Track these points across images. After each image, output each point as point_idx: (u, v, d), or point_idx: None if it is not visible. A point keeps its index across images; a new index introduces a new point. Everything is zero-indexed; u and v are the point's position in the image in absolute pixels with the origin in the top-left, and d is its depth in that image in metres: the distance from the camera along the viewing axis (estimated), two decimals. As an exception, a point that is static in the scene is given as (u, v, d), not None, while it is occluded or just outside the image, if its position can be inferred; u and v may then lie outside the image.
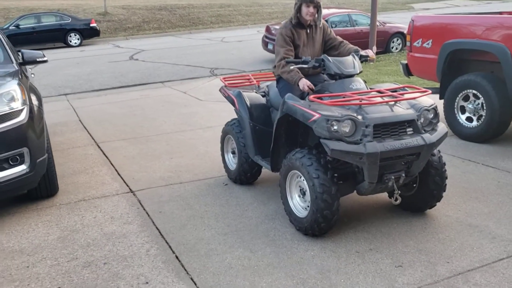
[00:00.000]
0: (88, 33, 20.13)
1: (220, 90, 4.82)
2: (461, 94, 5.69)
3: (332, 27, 13.23)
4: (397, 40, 14.44)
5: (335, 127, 3.13)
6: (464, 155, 5.16)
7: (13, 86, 3.94)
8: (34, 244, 3.59)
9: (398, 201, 3.44)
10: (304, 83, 3.65)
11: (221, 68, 12.91)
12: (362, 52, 3.85)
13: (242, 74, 5.51)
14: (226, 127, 4.67)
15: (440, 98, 5.98)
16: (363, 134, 3.12)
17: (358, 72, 3.58)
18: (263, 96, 4.44)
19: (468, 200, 4.02)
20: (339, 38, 4.13)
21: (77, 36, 19.78)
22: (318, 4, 3.85)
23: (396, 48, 14.39)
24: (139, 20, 25.12)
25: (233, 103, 4.42)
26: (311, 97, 3.39)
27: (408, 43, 6.43)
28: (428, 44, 6.05)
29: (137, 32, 23.60)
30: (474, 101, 5.58)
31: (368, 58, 3.85)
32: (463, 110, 5.74)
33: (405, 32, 14.40)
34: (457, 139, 5.71)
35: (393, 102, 3.34)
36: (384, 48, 13.97)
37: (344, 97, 3.37)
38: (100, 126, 7.40)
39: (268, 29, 14.03)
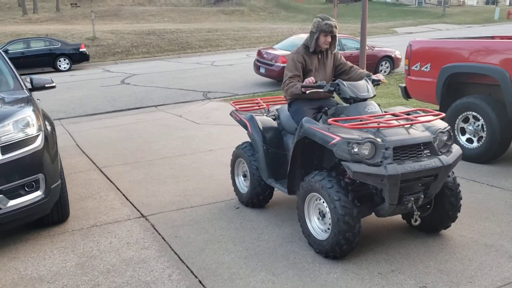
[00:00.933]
0: (78, 58, 20.12)
1: (231, 114, 4.87)
2: (461, 116, 5.83)
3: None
4: (385, 63, 14.75)
5: (356, 150, 3.20)
6: (467, 176, 5.26)
7: (28, 112, 3.94)
8: (53, 271, 3.54)
9: (417, 222, 3.50)
10: (306, 81, 3.78)
11: (214, 91, 13.00)
12: (374, 77, 3.97)
13: (251, 98, 5.58)
14: (237, 151, 4.70)
15: (440, 120, 6.11)
16: (383, 156, 3.20)
17: (372, 96, 3.70)
18: (273, 119, 4.51)
19: (479, 220, 4.10)
20: (349, 63, 4.26)
21: (67, 60, 19.76)
22: (335, 34, 3.98)
23: (385, 71, 14.68)
24: (127, 44, 25.24)
25: (245, 127, 4.47)
26: (330, 120, 3.47)
27: (406, 67, 6.58)
28: (426, 68, 6.22)
29: (126, 57, 23.69)
30: (474, 123, 5.73)
31: (380, 82, 3.97)
32: (463, 131, 5.88)
33: (393, 55, 14.81)
34: (458, 160, 5.82)
35: (409, 125, 3.43)
36: (373, 72, 14.20)
37: (361, 120, 3.45)
38: (99, 151, 7.36)
39: (259, 53, 14.21)
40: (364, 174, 3.17)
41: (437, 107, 6.25)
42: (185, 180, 5.61)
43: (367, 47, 13.53)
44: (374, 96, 3.71)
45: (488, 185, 4.95)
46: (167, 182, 5.60)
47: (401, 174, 3.14)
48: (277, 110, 4.52)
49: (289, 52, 13.75)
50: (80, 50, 20.05)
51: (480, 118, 5.61)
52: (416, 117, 3.55)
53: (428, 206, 3.70)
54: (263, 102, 4.94)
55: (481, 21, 35.97)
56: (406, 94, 6.71)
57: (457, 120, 5.87)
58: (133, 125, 9.41)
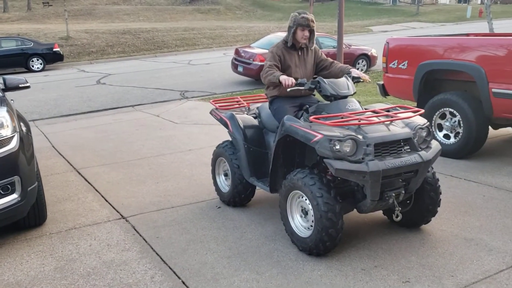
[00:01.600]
0: (51, 58, 19.70)
1: (211, 113, 4.83)
2: (438, 112, 5.91)
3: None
4: (362, 61, 14.89)
5: (338, 147, 3.21)
6: (445, 171, 5.34)
7: (2, 113, 3.83)
8: (31, 276, 3.45)
9: (399, 218, 3.53)
10: (286, 78, 3.72)
11: (191, 90, 12.91)
12: (354, 74, 3.96)
13: (231, 96, 5.55)
14: (217, 150, 4.67)
15: (418, 117, 6.19)
16: (365, 153, 3.22)
17: (352, 93, 3.71)
18: (254, 118, 4.49)
19: (459, 214, 4.16)
20: (330, 59, 4.26)
21: (40, 61, 19.33)
22: (313, 28, 3.97)
23: (362, 69, 14.81)
24: (102, 44, 24.87)
25: (226, 125, 4.43)
26: (312, 118, 3.47)
27: (383, 65, 6.64)
28: (403, 65, 6.29)
29: (101, 56, 23.34)
30: (451, 119, 5.81)
31: (361, 80, 3.96)
32: (440, 127, 5.96)
33: (369, 54, 14.95)
34: (436, 156, 5.91)
35: (389, 122, 3.46)
36: (350, 70, 14.36)
37: (342, 118, 3.46)
38: (76, 152, 7.22)
39: (237, 52, 14.15)
40: (346, 171, 3.18)
41: (415, 104, 6.33)
42: (165, 181, 5.54)
43: (343, 46, 13.64)
44: (355, 93, 3.72)
45: (466, 180, 5.03)
46: (146, 182, 5.52)
47: (383, 170, 3.17)
48: (258, 108, 4.50)
49: (266, 51, 13.77)
50: (54, 50, 19.64)
51: (457, 114, 5.70)
52: (395, 113, 3.58)
53: (408, 202, 3.73)
54: (244, 100, 4.92)
55: (454, 19, 36.68)
56: (384, 92, 6.77)
57: (434, 116, 5.95)
58: (110, 125, 9.27)
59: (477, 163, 5.56)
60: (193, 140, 7.50)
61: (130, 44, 25.48)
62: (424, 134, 3.53)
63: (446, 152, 5.83)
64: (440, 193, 3.78)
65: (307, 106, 3.88)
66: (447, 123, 5.85)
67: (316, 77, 3.93)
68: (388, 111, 3.68)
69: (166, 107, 10.92)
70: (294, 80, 3.73)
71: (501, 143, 6.40)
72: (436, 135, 5.97)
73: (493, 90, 5.26)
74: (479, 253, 3.47)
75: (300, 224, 3.61)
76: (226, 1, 51.91)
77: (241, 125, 4.27)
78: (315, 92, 4.13)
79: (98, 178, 5.78)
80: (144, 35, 27.12)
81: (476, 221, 4.00)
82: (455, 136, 5.80)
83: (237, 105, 4.84)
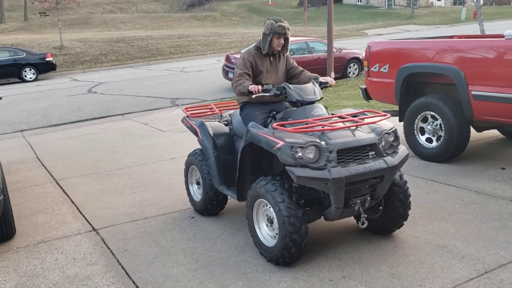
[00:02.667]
0: (44, 68, 19.67)
1: (182, 121, 4.76)
2: (419, 116, 5.84)
3: (290, 54, 13.44)
4: (354, 65, 14.81)
5: (300, 154, 3.14)
6: (426, 176, 5.25)
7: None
8: (-10, 293, 3.37)
9: (364, 225, 3.45)
10: (253, 86, 3.66)
11: (182, 98, 12.86)
12: (321, 79, 3.91)
13: (204, 104, 5.50)
14: (189, 158, 4.60)
15: (400, 121, 6.12)
16: (327, 159, 3.16)
17: (319, 98, 3.65)
18: (226, 125, 4.42)
19: (434, 221, 4.07)
20: (300, 68, 4.20)
21: (33, 70, 19.30)
22: (288, 36, 3.91)
23: (353, 73, 14.75)
24: (96, 52, 24.85)
25: (196, 133, 4.37)
26: (275, 124, 3.41)
27: (366, 69, 6.58)
28: (385, 68, 6.22)
29: (95, 65, 23.31)
30: (433, 122, 5.74)
31: (328, 85, 3.91)
32: (422, 131, 5.89)
33: (361, 57, 14.89)
34: (418, 160, 5.82)
35: (354, 127, 3.40)
36: (341, 74, 14.30)
37: (306, 124, 3.41)
38: (59, 163, 7.16)
39: (228, 58, 14.13)
40: (308, 178, 3.11)
41: (397, 108, 6.26)
42: (143, 191, 5.46)
43: (334, 50, 13.60)
44: (321, 98, 3.66)
45: (446, 185, 4.94)
46: (123, 193, 5.44)
47: (346, 177, 3.11)
48: (230, 115, 4.44)
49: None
50: (47, 59, 19.62)
51: (438, 117, 5.62)
52: (361, 118, 3.52)
53: (380, 208, 3.67)
54: (217, 107, 4.86)
55: (448, 22, 36.65)
56: (367, 96, 6.70)
57: (416, 120, 5.87)
58: (97, 134, 9.21)
59: (459, 167, 5.47)
60: (177, 148, 7.43)
61: (124, 52, 25.47)
62: (390, 139, 3.46)
63: (428, 156, 5.75)
64: (410, 195, 3.70)
65: (274, 112, 3.83)
66: (429, 127, 5.77)
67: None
68: (355, 116, 3.61)
69: (155, 115, 10.87)
70: (260, 87, 3.67)
71: (485, 146, 6.31)
72: (418, 139, 5.89)
73: (473, 92, 5.19)
74: (450, 260, 3.38)
75: (267, 234, 3.53)
76: (222, 8, 52.03)
77: (211, 133, 4.20)
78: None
79: (76, 189, 5.71)
80: (138, 43, 27.12)
81: (452, 227, 3.91)
82: (437, 140, 5.72)
83: (210, 112, 4.76)
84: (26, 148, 8.50)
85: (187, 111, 4.77)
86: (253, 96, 3.70)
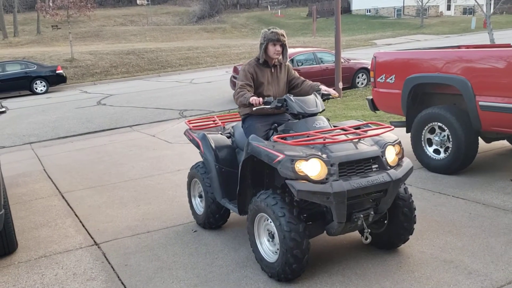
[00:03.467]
0: (55, 80, 19.90)
1: (184, 133, 4.72)
2: (427, 127, 5.75)
3: (298, 65, 13.45)
4: (362, 75, 14.75)
5: (300, 167, 3.07)
6: (434, 188, 5.16)
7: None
8: (-12, 309, 3.34)
9: (368, 240, 3.35)
10: (254, 98, 3.61)
11: (191, 109, 12.88)
12: (323, 91, 3.85)
13: (207, 116, 5.46)
14: (191, 171, 4.57)
15: (407, 132, 6.04)
16: (329, 173, 3.08)
17: (321, 110, 3.59)
18: (228, 137, 4.37)
19: (441, 234, 3.97)
20: (301, 78, 4.15)
21: (43, 83, 19.52)
22: (284, 43, 3.86)
23: (362, 83, 14.68)
24: (106, 65, 25.08)
25: (198, 146, 4.32)
26: (275, 137, 3.36)
27: (372, 79, 6.52)
28: (391, 79, 6.15)
29: (105, 77, 23.52)
30: (440, 134, 5.65)
31: (330, 96, 3.85)
32: (430, 142, 5.79)
33: (369, 67, 14.82)
34: (426, 172, 5.73)
35: (357, 140, 3.32)
36: (350, 84, 14.25)
37: (308, 136, 3.35)
38: (66, 175, 7.17)
39: (235, 69, 14.15)
40: (309, 192, 3.04)
41: (404, 118, 6.18)
42: (147, 203, 5.43)
43: (342, 60, 13.56)
44: (323, 110, 3.61)
45: (454, 197, 4.84)
46: (128, 206, 5.41)
47: (348, 191, 3.03)
48: (232, 127, 4.39)
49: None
50: (57, 72, 19.84)
51: (446, 128, 5.53)
52: (364, 131, 3.45)
53: (384, 222, 3.59)
54: (220, 119, 4.83)
55: (458, 31, 36.47)
56: (374, 107, 6.63)
57: (424, 131, 5.79)
58: (104, 146, 9.24)
59: (467, 179, 5.37)
60: (183, 160, 7.40)
61: (134, 64, 25.67)
62: (395, 151, 3.38)
63: (436, 167, 5.65)
64: (415, 209, 3.63)
65: (276, 125, 3.77)
66: (437, 138, 5.68)
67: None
68: (358, 128, 3.54)
69: (163, 126, 10.88)
70: (261, 100, 3.63)
71: (493, 157, 6.20)
72: (426, 151, 5.80)
73: (480, 103, 5.10)
74: (457, 276, 3.28)
75: (268, 249, 3.46)
76: (232, 20, 52.37)
77: (213, 145, 4.15)
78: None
79: (80, 202, 5.69)
80: (148, 55, 27.33)
81: (459, 242, 3.81)
82: (445, 151, 5.63)
83: (213, 125, 4.72)
84: (34, 161, 8.54)
85: (189, 123, 4.74)
86: (254, 108, 3.65)
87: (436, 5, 47.98)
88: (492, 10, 13.51)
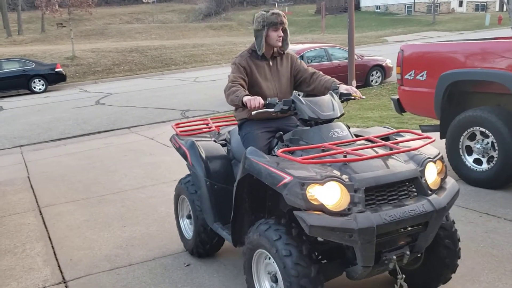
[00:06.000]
0: (54, 78, 19.07)
1: (170, 140, 3.92)
2: (466, 132, 4.85)
3: (307, 62, 12.59)
4: (376, 73, 13.84)
5: (313, 194, 2.29)
6: (479, 207, 4.26)
7: None
8: None
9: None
10: (251, 98, 2.83)
11: (193, 109, 12.08)
12: (343, 90, 3.01)
13: (200, 118, 4.61)
14: (179, 185, 3.75)
15: (441, 138, 5.14)
16: (352, 201, 2.30)
17: (339, 115, 2.80)
18: (223, 145, 3.60)
19: (503, 275, 3.08)
20: (311, 69, 3.30)
21: (42, 82, 18.70)
22: (285, 26, 3.10)
23: (376, 81, 13.77)
24: (109, 63, 24.29)
25: (185, 157, 3.54)
26: (280, 151, 2.55)
27: (398, 76, 5.62)
28: (422, 76, 5.25)
29: (107, 75, 22.70)
30: (482, 140, 4.75)
31: (351, 97, 3.01)
32: (469, 151, 4.89)
33: (384, 64, 13.89)
34: (465, 185, 4.82)
35: (387, 155, 2.51)
36: (363, 82, 13.33)
37: (323, 150, 2.55)
38: (50, 184, 6.38)
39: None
40: (326, 228, 2.25)
41: (437, 122, 5.28)
42: (134, 223, 4.58)
43: (356, 57, 12.66)
44: (343, 115, 2.82)
45: (507, 220, 3.94)
46: (112, 226, 4.57)
47: (377, 226, 2.26)
48: (229, 132, 3.59)
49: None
50: (56, 70, 19.01)
51: (490, 134, 4.63)
52: (396, 142, 2.65)
53: (420, 256, 2.74)
54: (214, 122, 4.06)
55: (472, 28, 35.33)
56: (400, 108, 5.73)
57: (462, 137, 4.89)
58: (98, 151, 8.43)
59: (518, 196, 4.48)
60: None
61: (137, 62, 24.85)
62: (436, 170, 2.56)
63: (478, 181, 4.76)
64: (459, 240, 2.83)
65: (281, 133, 2.94)
66: (478, 146, 4.78)
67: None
68: (387, 138, 2.75)
69: (163, 128, 10.05)
70: (261, 101, 2.83)
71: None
72: (464, 160, 4.90)
73: (536, 104, 4.21)
74: None
75: None
76: (238, 17, 51.56)
77: (203, 156, 3.36)
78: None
79: (58, 220, 4.88)
80: (152, 52, 26.50)
81: (529, 287, 2.93)
82: (488, 161, 4.73)
83: (205, 129, 3.94)
84: (20, 167, 7.75)
85: (177, 127, 3.94)
86: (252, 113, 2.85)
87: (448, 1, 46.85)
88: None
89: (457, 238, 2.82)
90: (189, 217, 3.76)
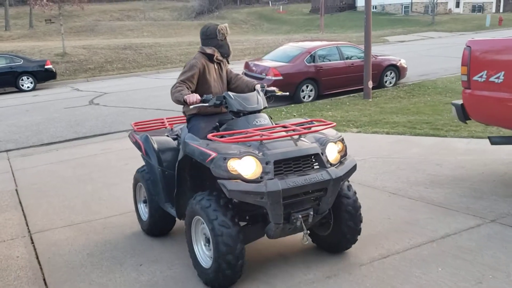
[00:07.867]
0: (43, 76, 17.87)
1: (128, 136, 4.52)
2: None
3: (319, 61, 11.70)
4: (391, 73, 13.00)
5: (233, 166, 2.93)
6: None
7: None
8: None
9: (307, 242, 3.22)
10: (190, 95, 3.45)
11: (196, 111, 11.07)
12: (268, 88, 3.78)
13: (155, 118, 4.93)
14: (136, 174, 4.37)
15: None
16: (264, 171, 2.94)
17: (262, 108, 3.46)
18: (174, 139, 4.11)
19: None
20: (235, 72, 4.03)
21: (30, 79, 17.50)
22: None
23: (390, 82, 12.94)
24: (101, 60, 23.14)
25: (139, 148, 4.17)
26: (210, 135, 3.16)
27: (463, 77, 4.71)
28: (498, 78, 4.35)
29: (99, 73, 21.53)
30: None
31: (275, 93, 3.78)
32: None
33: (398, 64, 13.01)
34: None
35: (297, 137, 3.19)
36: (377, 83, 12.44)
37: (246, 134, 3.19)
38: (42, 200, 5.45)
39: (247, 66, 12.71)
40: (242, 192, 2.88)
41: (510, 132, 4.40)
42: (152, 261, 3.61)
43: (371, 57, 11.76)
44: (265, 108, 3.47)
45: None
46: (124, 264, 3.61)
47: (283, 189, 2.88)
48: (181, 129, 4.16)
49: (280, 64, 11.91)
50: (46, 67, 17.82)
51: None
52: (305, 127, 3.32)
53: (330, 222, 3.43)
54: (170, 121, 4.67)
55: (472, 28, 34.75)
56: (464, 115, 4.82)
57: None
58: (95, 157, 7.47)
59: None
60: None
61: (131, 60, 23.73)
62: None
63: None
64: (360, 207, 3.45)
65: (217, 124, 3.55)
66: None
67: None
68: (301, 126, 3.35)
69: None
70: (198, 97, 3.46)
71: None
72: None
73: None
74: None
75: (205, 254, 3.26)
76: (232, 16, 50.64)
77: (155, 147, 3.92)
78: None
79: (55, 254, 3.92)
80: (146, 50, 25.42)
81: None
82: None
83: (161, 126, 4.59)
84: (7, 176, 6.76)
85: (135, 125, 4.59)
86: (191, 107, 3.46)
87: (445, 2, 46.33)
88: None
89: (358, 205, 3.42)
90: (145, 201, 4.30)
